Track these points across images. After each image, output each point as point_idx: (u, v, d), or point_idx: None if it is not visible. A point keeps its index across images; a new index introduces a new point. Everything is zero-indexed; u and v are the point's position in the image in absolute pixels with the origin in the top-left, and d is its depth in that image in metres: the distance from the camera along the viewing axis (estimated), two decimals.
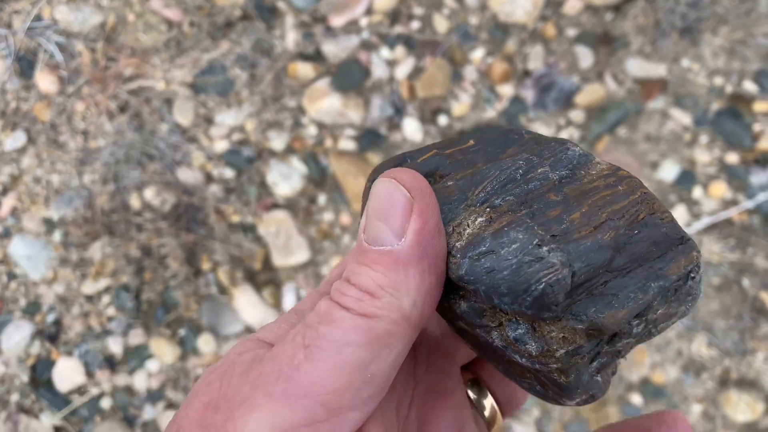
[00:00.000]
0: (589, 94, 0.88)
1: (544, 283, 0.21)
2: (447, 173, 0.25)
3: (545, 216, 0.22)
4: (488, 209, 0.23)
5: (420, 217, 0.21)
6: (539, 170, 0.24)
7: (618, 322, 0.22)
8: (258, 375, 0.20)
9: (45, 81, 0.93)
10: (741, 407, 0.80)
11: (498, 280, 0.21)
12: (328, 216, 0.87)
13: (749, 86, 0.86)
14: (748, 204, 0.84)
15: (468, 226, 0.23)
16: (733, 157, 0.85)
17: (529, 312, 0.21)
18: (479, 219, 0.23)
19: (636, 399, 0.82)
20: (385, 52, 0.90)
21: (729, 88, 0.86)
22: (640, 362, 0.83)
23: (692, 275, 0.23)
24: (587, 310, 0.22)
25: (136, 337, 0.86)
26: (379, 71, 0.90)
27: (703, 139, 0.86)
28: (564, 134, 0.88)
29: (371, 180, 0.26)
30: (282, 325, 0.24)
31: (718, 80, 0.87)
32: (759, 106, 0.85)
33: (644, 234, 0.23)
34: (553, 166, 0.24)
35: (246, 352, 0.22)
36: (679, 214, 0.85)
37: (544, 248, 0.21)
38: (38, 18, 0.94)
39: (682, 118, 0.87)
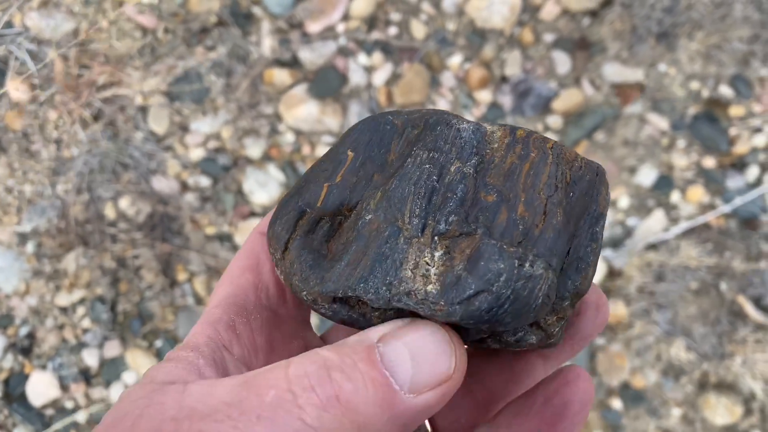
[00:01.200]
0: (567, 99, 0.88)
1: (541, 297, 0.22)
2: (354, 204, 0.25)
3: (498, 225, 0.22)
4: (437, 238, 0.23)
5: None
6: (452, 168, 0.24)
7: (590, 280, 0.24)
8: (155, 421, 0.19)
9: (16, 89, 0.91)
10: (720, 410, 0.80)
11: (501, 315, 0.21)
12: None
13: (725, 91, 0.87)
14: (726, 208, 0.84)
15: (428, 264, 0.22)
16: (710, 162, 0.86)
17: (532, 322, 0.23)
18: (436, 254, 0.22)
19: (616, 404, 0.83)
20: (362, 59, 0.90)
21: (705, 93, 0.87)
22: (620, 367, 0.83)
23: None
24: (566, 286, 0.24)
25: (112, 349, 0.85)
26: (356, 77, 0.89)
27: (681, 143, 0.86)
28: None
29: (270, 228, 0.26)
30: (177, 366, 0.22)
31: (695, 85, 0.87)
32: (735, 111, 0.86)
33: (576, 192, 0.24)
34: (461, 157, 0.24)
35: (140, 399, 0.21)
36: (658, 218, 0.86)
37: (527, 265, 0.21)
38: (9, 25, 0.92)
39: (659, 122, 0.87)
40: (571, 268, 0.24)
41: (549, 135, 0.88)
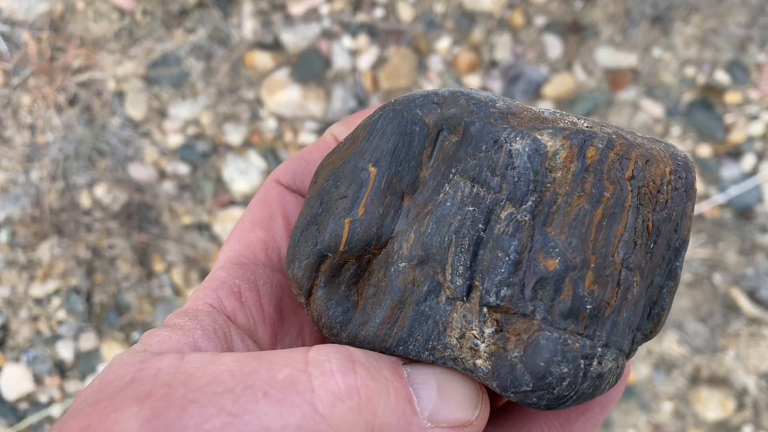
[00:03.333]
0: (559, 84, 0.86)
1: (608, 387, 0.19)
2: (384, 242, 0.21)
3: (561, 304, 0.19)
4: (485, 310, 0.19)
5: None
6: (503, 214, 0.19)
7: (663, 323, 0.21)
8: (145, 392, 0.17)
9: None
10: (712, 405, 0.80)
11: (559, 408, 0.19)
12: None
13: (721, 76, 0.85)
14: (720, 198, 0.83)
15: (476, 338, 0.20)
16: (705, 150, 0.84)
17: None
18: (486, 330, 0.19)
19: None
20: (347, 41, 0.88)
21: (701, 79, 0.85)
22: None
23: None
24: (635, 338, 0.21)
25: (88, 341, 0.84)
26: (340, 61, 0.87)
27: (675, 131, 0.85)
28: None
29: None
30: (173, 335, 0.21)
31: (690, 70, 0.85)
32: (731, 97, 0.84)
33: (660, 237, 0.20)
34: (514, 198, 0.19)
35: (133, 363, 0.19)
36: None
37: (594, 363, 0.18)
38: None
39: (653, 109, 0.85)
40: (642, 318, 0.21)
41: None
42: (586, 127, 0.20)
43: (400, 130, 0.21)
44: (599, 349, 0.19)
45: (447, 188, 0.20)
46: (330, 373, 0.18)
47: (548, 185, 0.19)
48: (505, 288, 0.19)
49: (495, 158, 0.20)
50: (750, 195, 0.83)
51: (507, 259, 0.19)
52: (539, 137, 0.20)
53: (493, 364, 0.19)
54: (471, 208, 0.20)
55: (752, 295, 0.81)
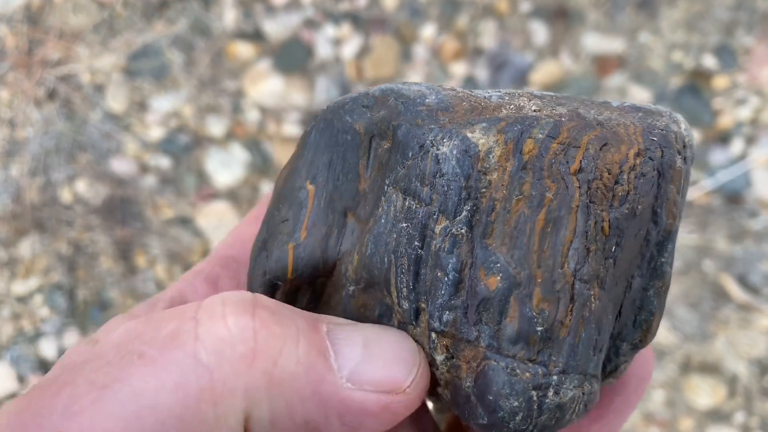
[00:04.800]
0: (545, 71, 0.86)
1: (576, 416, 0.17)
2: (331, 265, 0.19)
3: (507, 328, 0.17)
4: (434, 335, 0.17)
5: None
6: (437, 228, 0.17)
7: (655, 330, 0.19)
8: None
9: None
10: (703, 392, 0.80)
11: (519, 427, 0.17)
12: None
13: (709, 61, 0.85)
14: (708, 183, 0.83)
15: (432, 366, 0.18)
16: (694, 135, 0.84)
17: None
18: (437, 357, 0.18)
19: None
20: (330, 31, 0.87)
21: (688, 64, 0.85)
22: None
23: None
24: (619, 351, 0.19)
25: (72, 338, 0.83)
26: (324, 50, 0.87)
27: None
28: None
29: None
30: (120, 322, 0.19)
31: (677, 55, 0.85)
32: (719, 82, 0.84)
33: (625, 236, 0.17)
34: (446, 210, 0.17)
35: (74, 353, 0.18)
36: None
37: (550, 393, 0.17)
38: None
39: (640, 95, 0.85)
40: (626, 328, 0.19)
41: None
42: (534, 110, 0.18)
43: (333, 141, 0.20)
44: (554, 377, 0.17)
45: (383, 201, 0.18)
46: (220, 315, 0.16)
47: (483, 190, 0.17)
48: (447, 312, 0.17)
49: (422, 166, 0.18)
50: (739, 180, 0.83)
51: (446, 279, 0.17)
52: (469, 135, 0.17)
53: (451, 392, 0.18)
54: (404, 224, 0.18)
55: (742, 281, 0.81)
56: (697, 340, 0.81)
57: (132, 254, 0.85)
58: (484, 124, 0.17)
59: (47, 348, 0.84)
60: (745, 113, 0.84)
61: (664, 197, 0.18)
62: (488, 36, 0.87)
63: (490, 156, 0.17)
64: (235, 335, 0.15)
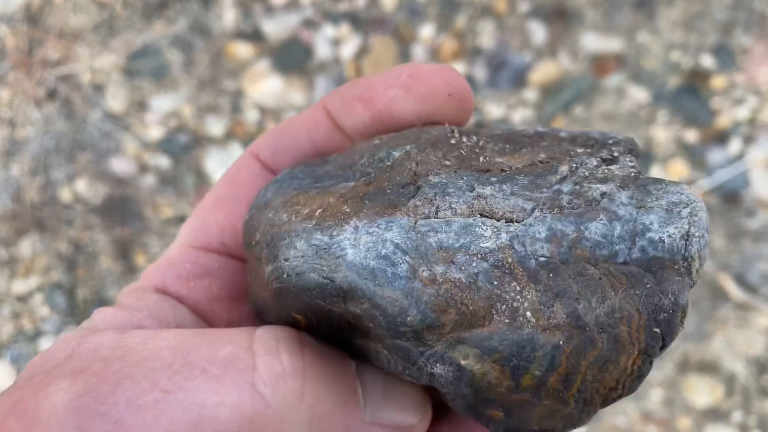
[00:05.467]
0: (543, 71, 0.86)
1: None
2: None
3: None
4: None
5: None
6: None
7: None
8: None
9: None
10: (701, 391, 0.80)
11: None
12: None
13: (707, 61, 0.85)
14: (706, 183, 0.83)
15: None
16: (691, 135, 0.84)
17: None
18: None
19: None
20: (329, 31, 0.88)
21: (686, 63, 0.85)
22: None
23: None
24: None
25: None
26: (323, 51, 0.87)
27: (662, 116, 0.85)
28: (516, 115, 0.86)
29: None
30: (117, 313, 0.20)
31: (675, 55, 0.85)
32: (717, 82, 0.84)
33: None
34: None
35: (73, 339, 0.19)
36: None
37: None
38: None
39: (639, 94, 0.85)
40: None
41: (523, 110, 0.86)
42: (529, 317, 0.17)
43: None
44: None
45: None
46: (275, 352, 0.18)
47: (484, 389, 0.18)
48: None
49: (416, 376, 0.19)
50: (737, 180, 0.83)
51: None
52: (463, 363, 0.18)
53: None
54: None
55: (740, 280, 0.82)
56: (695, 340, 0.81)
57: (132, 253, 0.85)
58: (477, 351, 0.18)
59: (47, 346, 0.84)
60: (743, 113, 0.84)
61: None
62: (487, 36, 0.87)
63: (487, 376, 0.18)
64: (288, 373, 0.17)
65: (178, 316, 0.22)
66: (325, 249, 0.18)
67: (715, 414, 0.79)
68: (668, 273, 0.17)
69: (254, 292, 0.22)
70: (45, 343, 0.84)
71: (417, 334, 0.18)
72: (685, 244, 0.18)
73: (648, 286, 0.18)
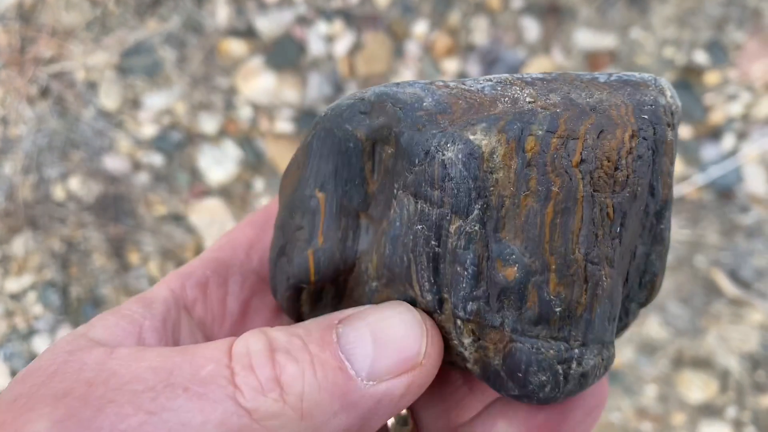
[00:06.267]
0: (537, 68, 0.86)
1: (599, 377, 0.19)
2: (351, 264, 0.21)
3: (529, 311, 0.18)
4: (459, 322, 0.19)
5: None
6: (451, 228, 0.19)
7: (659, 287, 0.22)
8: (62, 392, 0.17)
9: None
10: (695, 387, 0.80)
11: (548, 401, 0.20)
12: (265, 202, 0.85)
13: (700, 57, 0.85)
14: (700, 179, 0.83)
15: (460, 347, 0.20)
16: (685, 131, 0.84)
17: None
18: (464, 339, 0.19)
19: None
20: (322, 27, 0.88)
21: (680, 59, 0.85)
22: None
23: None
24: (629, 310, 0.21)
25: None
26: (316, 47, 0.87)
27: None
28: None
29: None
30: (119, 324, 0.20)
31: (669, 51, 0.86)
32: (710, 78, 0.85)
33: (627, 218, 0.19)
34: (458, 210, 0.18)
35: (61, 354, 0.19)
36: None
37: (573, 364, 0.18)
38: None
39: None
40: (632, 290, 0.21)
41: None
42: (528, 102, 0.19)
43: (335, 149, 0.21)
44: (576, 350, 0.18)
45: (394, 205, 0.20)
46: (249, 367, 0.18)
47: (491, 188, 0.18)
48: (471, 302, 0.19)
49: (430, 171, 0.19)
50: (730, 176, 0.83)
51: (466, 273, 0.19)
52: (471, 138, 0.18)
53: (481, 368, 0.20)
54: (419, 226, 0.19)
55: (733, 276, 0.82)
56: (689, 335, 0.82)
57: (125, 251, 0.85)
58: (483, 125, 0.18)
59: (41, 345, 0.84)
60: (736, 109, 0.84)
61: (658, 171, 0.19)
62: (480, 32, 0.87)
63: (494, 156, 0.18)
64: (264, 385, 0.18)
65: (178, 329, 0.22)
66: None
67: (709, 410, 0.80)
68: (643, 88, 0.20)
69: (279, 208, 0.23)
70: (38, 342, 0.84)
71: (432, 117, 0.19)
72: (655, 80, 0.20)
73: (628, 90, 0.19)
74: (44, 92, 0.88)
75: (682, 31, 0.86)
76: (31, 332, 0.85)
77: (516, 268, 0.18)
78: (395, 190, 0.20)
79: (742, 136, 0.84)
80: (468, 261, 0.18)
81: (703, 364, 0.81)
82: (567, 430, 0.22)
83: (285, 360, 0.18)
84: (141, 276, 0.85)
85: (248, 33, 0.89)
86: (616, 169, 0.18)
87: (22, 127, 0.88)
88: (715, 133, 0.85)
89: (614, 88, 0.20)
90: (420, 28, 0.88)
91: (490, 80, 0.20)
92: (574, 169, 0.18)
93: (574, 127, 0.18)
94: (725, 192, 0.83)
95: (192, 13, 0.89)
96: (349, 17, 0.88)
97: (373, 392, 0.18)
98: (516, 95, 0.19)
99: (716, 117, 0.84)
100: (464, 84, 0.20)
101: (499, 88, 0.19)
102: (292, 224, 0.22)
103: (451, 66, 0.87)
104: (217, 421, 0.17)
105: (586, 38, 0.87)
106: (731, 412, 0.79)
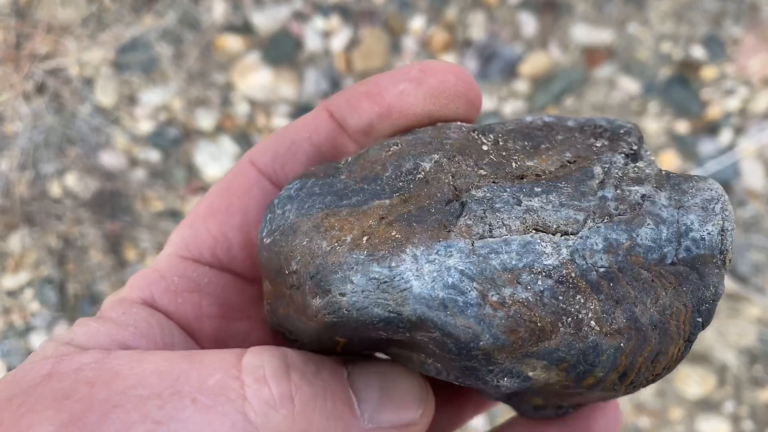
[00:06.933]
0: (534, 63, 0.86)
1: None
2: None
3: None
4: None
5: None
6: None
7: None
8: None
9: None
10: (693, 382, 0.80)
11: None
12: None
13: (697, 51, 0.85)
14: (698, 173, 0.83)
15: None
16: (682, 126, 0.85)
17: None
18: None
19: None
20: (319, 23, 0.88)
21: (677, 54, 0.86)
22: None
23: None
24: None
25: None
26: (312, 43, 0.87)
27: (652, 107, 0.85)
28: (507, 107, 0.86)
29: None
30: (101, 329, 0.20)
31: (666, 46, 0.86)
32: (707, 73, 0.85)
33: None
34: None
35: (51, 357, 0.18)
36: None
37: None
38: None
39: (629, 86, 0.86)
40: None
41: (514, 102, 0.86)
42: (593, 325, 0.19)
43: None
44: None
45: None
46: (263, 380, 0.18)
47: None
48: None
49: (484, 388, 0.20)
50: (727, 170, 0.83)
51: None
52: (531, 375, 0.19)
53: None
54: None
55: (731, 271, 0.82)
56: None
57: (122, 247, 0.85)
58: (544, 363, 0.19)
59: (38, 342, 0.84)
60: (733, 104, 0.84)
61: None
62: (477, 28, 0.87)
63: (551, 381, 0.19)
64: (277, 400, 0.17)
65: (165, 333, 0.21)
66: (387, 282, 0.18)
67: (707, 404, 0.80)
68: (709, 268, 0.20)
69: (281, 315, 0.22)
70: (35, 339, 0.84)
71: (488, 355, 0.18)
72: (721, 239, 0.20)
73: (693, 281, 0.20)
74: (40, 88, 0.88)
75: (680, 26, 0.86)
76: (28, 329, 0.85)
77: None
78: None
79: (739, 131, 0.84)
80: None
81: (700, 358, 0.81)
82: None
83: (300, 380, 0.18)
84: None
85: (245, 29, 0.89)
86: (658, 375, 0.20)
87: (18, 124, 0.88)
88: (712, 128, 0.85)
89: (681, 279, 0.20)
90: (417, 23, 0.88)
91: (548, 275, 0.18)
92: (622, 388, 0.20)
93: (633, 361, 0.19)
94: (723, 187, 0.84)
95: (188, 9, 0.89)
96: (345, 12, 0.88)
97: None
98: (580, 315, 0.19)
99: (714, 112, 0.85)
100: (519, 284, 0.18)
101: (560, 297, 0.18)
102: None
103: (448, 61, 0.87)
104: None
105: (584, 33, 0.87)
106: (729, 406, 0.79)
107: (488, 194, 0.19)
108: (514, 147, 0.21)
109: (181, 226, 0.23)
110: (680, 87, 0.86)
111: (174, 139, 0.87)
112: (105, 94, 0.88)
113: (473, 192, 0.19)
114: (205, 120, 0.87)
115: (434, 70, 0.21)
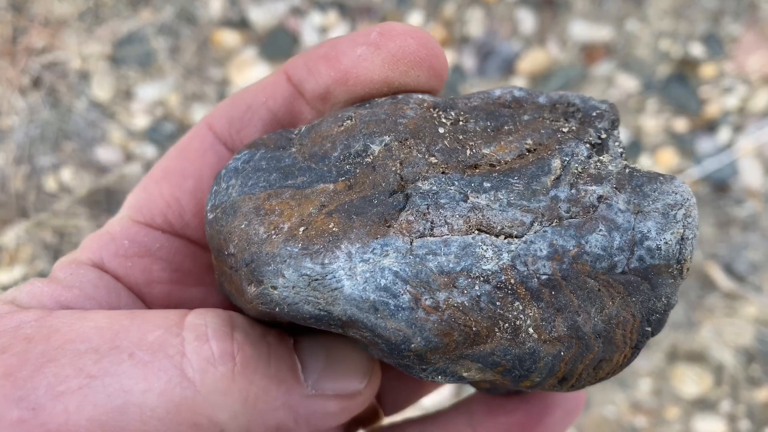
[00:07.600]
0: (532, 60, 0.86)
1: None
2: None
3: None
4: None
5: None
6: None
7: None
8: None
9: None
10: (689, 381, 0.80)
11: None
12: None
13: (696, 49, 0.85)
14: (695, 172, 0.83)
15: None
16: (680, 124, 0.84)
17: None
18: None
19: None
20: (316, 18, 0.87)
21: (676, 52, 0.85)
22: None
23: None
24: None
25: None
26: (310, 38, 0.87)
27: (651, 105, 0.85)
28: None
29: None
30: (46, 289, 0.19)
31: (665, 43, 0.86)
32: (706, 71, 0.85)
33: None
34: None
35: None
36: None
37: None
38: None
39: (628, 83, 0.85)
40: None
41: None
42: (531, 332, 0.18)
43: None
44: None
45: None
46: (204, 337, 0.17)
47: None
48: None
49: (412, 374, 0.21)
50: (725, 169, 0.83)
51: None
52: (465, 375, 0.19)
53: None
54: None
55: (728, 269, 0.82)
56: (683, 329, 0.82)
57: None
58: (479, 365, 0.19)
59: None
60: (732, 102, 0.84)
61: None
62: (475, 24, 0.87)
63: (487, 380, 0.20)
64: (217, 357, 0.17)
65: (112, 296, 0.21)
66: (318, 280, 0.17)
67: (703, 403, 0.80)
68: (663, 278, 0.19)
69: (227, 290, 0.21)
70: None
71: (420, 357, 0.18)
72: (680, 248, 0.19)
73: (644, 292, 0.19)
74: (36, 83, 0.88)
75: (678, 24, 0.86)
76: None
77: None
78: None
79: (737, 129, 0.84)
80: None
81: (697, 358, 0.81)
82: (544, 428, 0.22)
83: (244, 341, 0.18)
84: None
85: (242, 24, 0.89)
86: (601, 379, 0.20)
87: (14, 118, 0.88)
88: (710, 126, 0.85)
89: (631, 289, 0.19)
90: (415, 19, 0.88)
91: (486, 281, 0.18)
92: (563, 390, 0.20)
93: (573, 368, 0.19)
94: (720, 185, 0.83)
95: (185, 4, 0.89)
96: (343, 8, 0.88)
97: (312, 401, 0.19)
98: (518, 321, 0.18)
99: (712, 110, 0.84)
100: (455, 288, 0.18)
101: (498, 303, 0.18)
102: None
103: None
104: (159, 390, 0.16)
105: (582, 30, 0.87)
106: (725, 405, 0.79)
107: (434, 187, 0.18)
108: (474, 128, 0.20)
109: (137, 188, 0.23)
110: (679, 85, 0.85)
111: (170, 134, 0.87)
112: (101, 89, 0.88)
113: (419, 184, 0.18)
114: (202, 115, 0.87)
115: (394, 33, 0.20)
